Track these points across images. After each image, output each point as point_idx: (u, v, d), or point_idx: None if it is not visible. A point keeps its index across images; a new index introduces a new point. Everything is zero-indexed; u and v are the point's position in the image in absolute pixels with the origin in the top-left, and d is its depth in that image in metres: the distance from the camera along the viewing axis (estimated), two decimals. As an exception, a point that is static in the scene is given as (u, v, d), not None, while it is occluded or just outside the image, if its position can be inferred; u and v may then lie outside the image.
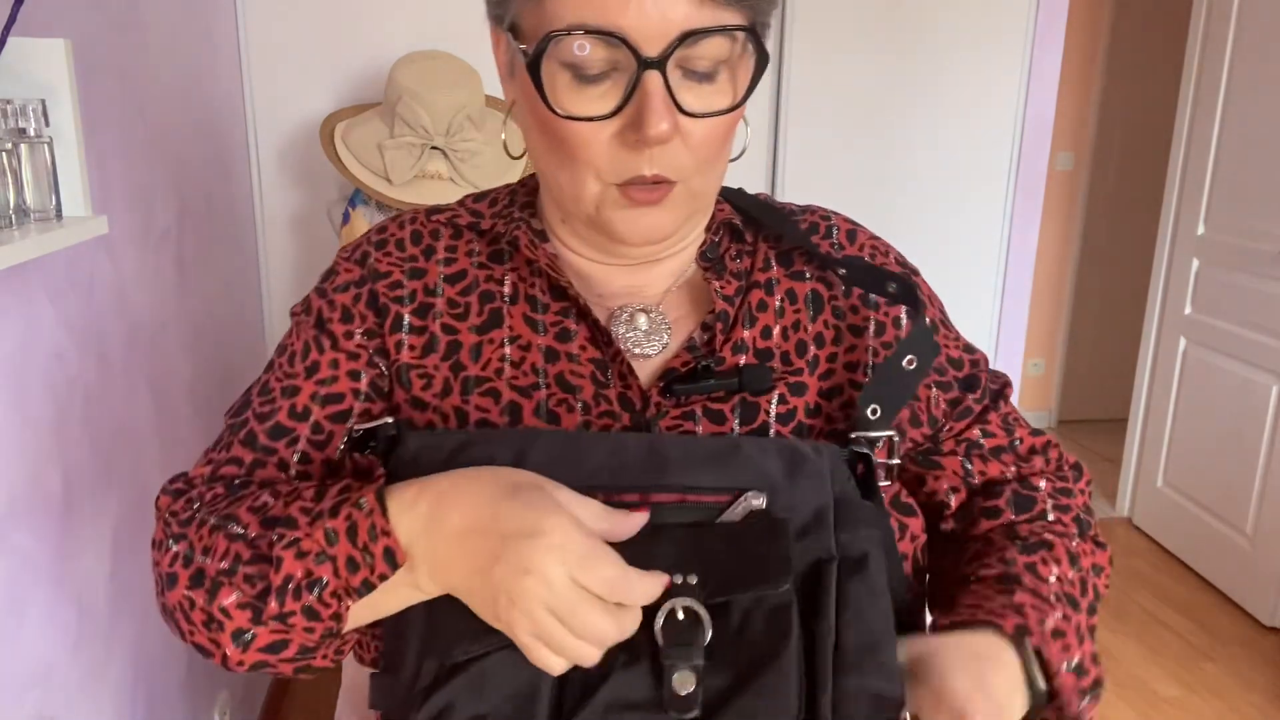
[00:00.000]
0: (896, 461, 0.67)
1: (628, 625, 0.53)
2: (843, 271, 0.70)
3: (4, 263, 0.91)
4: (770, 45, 2.60)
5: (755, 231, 0.74)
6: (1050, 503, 0.73)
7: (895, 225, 2.54)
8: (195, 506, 0.63)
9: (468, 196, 0.75)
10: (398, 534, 0.55)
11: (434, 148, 1.85)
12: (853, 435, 0.64)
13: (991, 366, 0.79)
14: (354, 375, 0.67)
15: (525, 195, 0.74)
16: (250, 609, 0.57)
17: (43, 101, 1.05)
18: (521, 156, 0.71)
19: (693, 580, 0.54)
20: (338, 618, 0.57)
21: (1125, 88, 4.06)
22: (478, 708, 0.54)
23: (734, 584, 0.54)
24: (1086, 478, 0.77)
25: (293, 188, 2.29)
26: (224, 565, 0.58)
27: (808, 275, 0.72)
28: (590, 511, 0.55)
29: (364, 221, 1.94)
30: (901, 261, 0.77)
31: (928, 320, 0.69)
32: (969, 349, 0.77)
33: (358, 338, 0.68)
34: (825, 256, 0.71)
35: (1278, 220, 2.70)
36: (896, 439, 0.66)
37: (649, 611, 0.54)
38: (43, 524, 1.14)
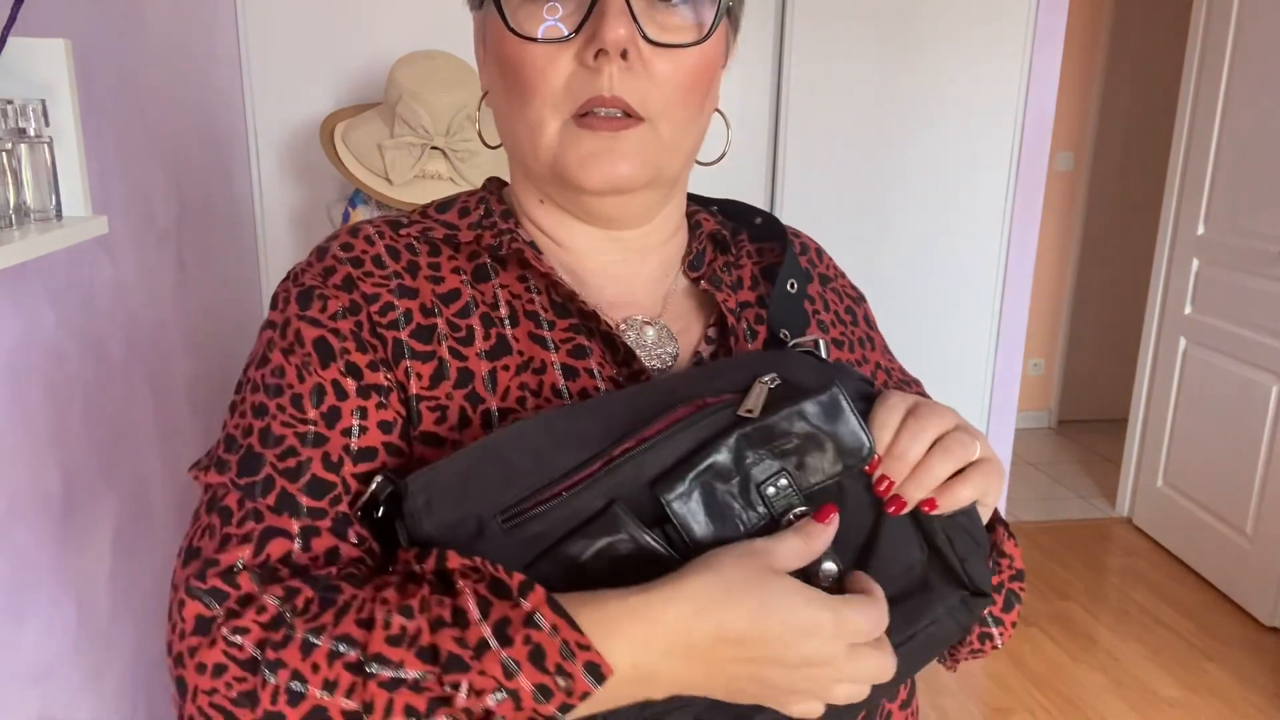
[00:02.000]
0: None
1: (889, 663, 0.53)
2: (715, 208, 0.74)
3: (4, 263, 0.91)
4: (769, 44, 2.58)
5: (739, 245, 0.74)
6: None
7: (895, 225, 2.55)
8: (280, 626, 0.51)
9: (429, 207, 0.70)
10: (600, 644, 0.48)
11: (434, 148, 1.85)
12: (790, 344, 0.66)
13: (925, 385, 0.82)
14: (386, 426, 0.59)
15: (500, 204, 0.70)
16: None
17: (43, 101, 1.05)
18: (499, 146, 0.69)
19: (783, 483, 0.55)
20: None
21: (1125, 88, 4.06)
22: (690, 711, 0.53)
23: (808, 469, 0.56)
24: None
25: (293, 188, 2.29)
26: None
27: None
28: (792, 548, 0.53)
29: (364, 221, 1.94)
30: (853, 285, 0.80)
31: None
32: (903, 373, 0.80)
33: (382, 371, 0.60)
34: (710, 200, 0.75)
35: (1278, 220, 2.70)
36: (822, 342, 0.68)
37: (773, 526, 0.55)
38: (43, 524, 1.14)
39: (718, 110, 0.68)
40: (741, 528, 0.54)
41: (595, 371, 0.63)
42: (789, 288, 0.69)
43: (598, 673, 0.48)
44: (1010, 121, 2.51)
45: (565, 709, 0.48)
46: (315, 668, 0.49)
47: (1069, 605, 2.85)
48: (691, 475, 0.53)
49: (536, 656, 0.47)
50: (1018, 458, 3.87)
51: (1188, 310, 3.08)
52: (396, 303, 0.62)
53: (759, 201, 2.45)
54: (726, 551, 0.52)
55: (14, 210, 1.02)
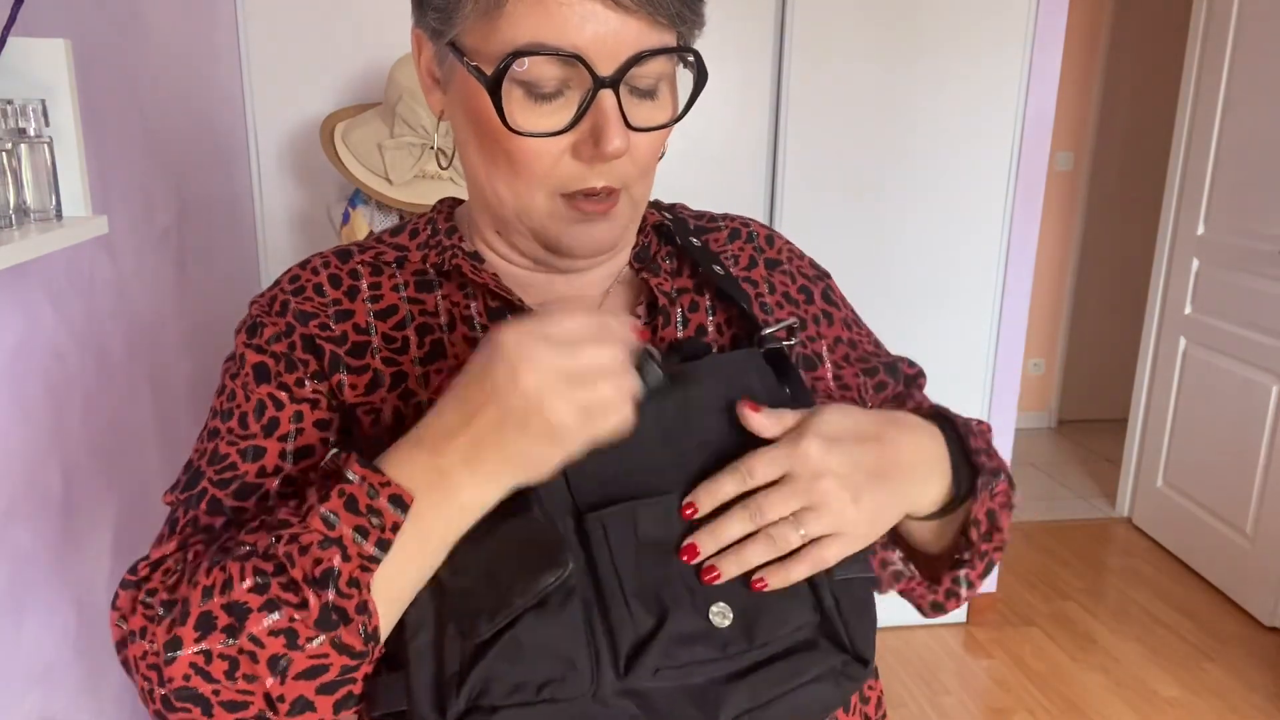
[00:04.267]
0: (800, 346, 0.75)
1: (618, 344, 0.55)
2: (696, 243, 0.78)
3: (4, 263, 0.91)
4: (770, 45, 2.58)
5: (683, 236, 0.77)
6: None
7: (895, 225, 2.55)
8: (177, 574, 0.58)
9: (385, 232, 0.75)
10: (399, 479, 0.54)
11: (434, 148, 1.85)
12: (761, 334, 0.69)
13: (916, 362, 0.85)
14: (322, 424, 0.65)
15: (445, 221, 0.75)
16: (284, 634, 0.53)
17: (43, 101, 1.05)
18: (449, 166, 0.72)
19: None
20: (365, 609, 0.53)
21: (1125, 88, 4.06)
22: (520, 675, 0.54)
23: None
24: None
25: (293, 188, 2.29)
26: (249, 584, 0.54)
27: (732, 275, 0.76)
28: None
29: (364, 221, 1.94)
30: (814, 264, 0.82)
31: (839, 319, 0.79)
32: (879, 344, 0.82)
33: (309, 384, 0.66)
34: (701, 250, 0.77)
35: (1278, 220, 2.70)
36: (795, 325, 0.73)
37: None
38: (43, 524, 1.14)
39: None
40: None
41: None
42: (718, 270, 0.73)
43: (401, 502, 0.54)
44: (1010, 121, 2.51)
45: (384, 545, 0.54)
46: (195, 583, 0.55)
47: (1069, 605, 2.85)
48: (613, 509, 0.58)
49: (351, 504, 0.54)
50: (1018, 458, 3.87)
51: (1188, 310, 3.08)
52: (334, 326, 0.68)
53: (759, 201, 2.45)
54: None
55: (14, 210, 1.02)
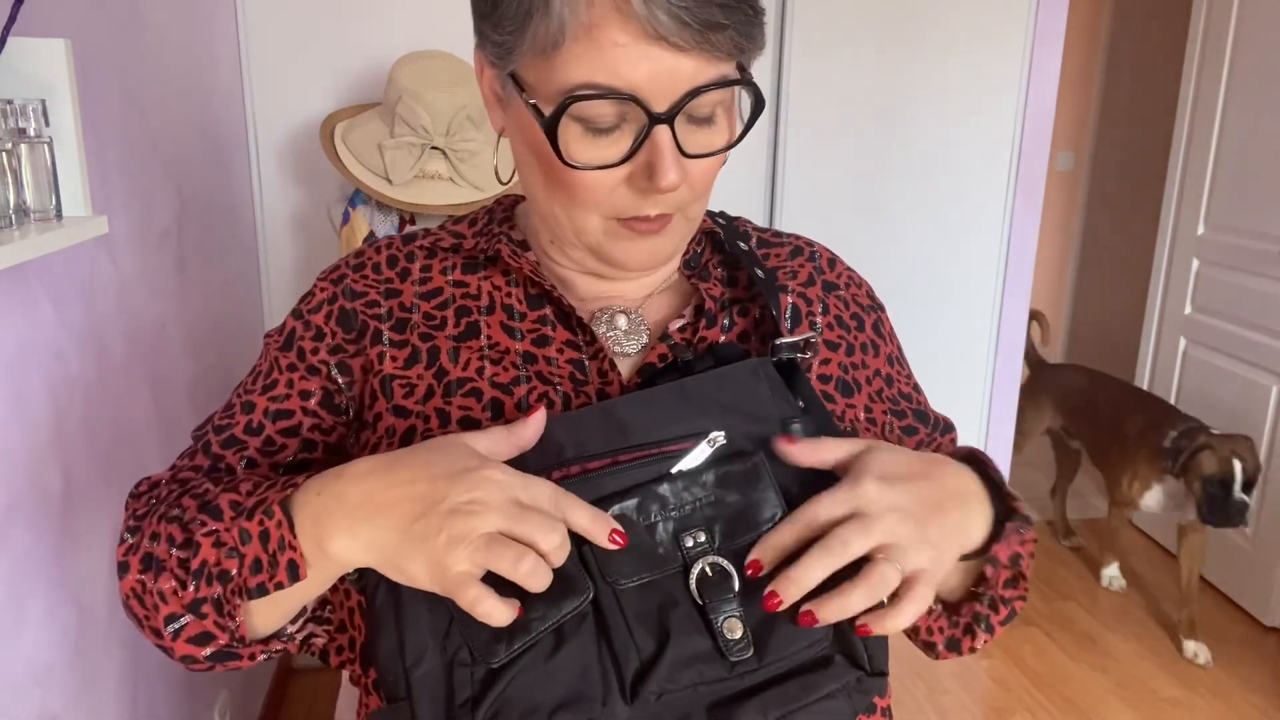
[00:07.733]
0: (841, 371, 0.74)
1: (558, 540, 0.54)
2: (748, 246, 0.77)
3: (4, 263, 0.91)
4: (770, 45, 2.57)
5: (731, 240, 0.77)
6: None
7: (895, 225, 2.55)
8: (153, 503, 0.68)
9: (449, 220, 0.78)
10: (302, 544, 0.58)
11: (434, 148, 1.85)
12: (775, 343, 0.68)
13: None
14: (305, 394, 0.71)
15: (503, 212, 0.78)
16: (179, 596, 0.61)
17: (43, 101, 1.05)
18: (510, 180, 0.74)
19: (701, 538, 0.59)
20: (232, 615, 0.61)
21: (1125, 88, 4.06)
22: (535, 699, 0.55)
23: (738, 532, 0.60)
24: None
25: (293, 188, 2.29)
26: (164, 548, 0.62)
27: (790, 289, 0.76)
28: (493, 437, 0.58)
29: (364, 221, 1.94)
30: (871, 295, 0.82)
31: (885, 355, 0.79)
32: (918, 389, 0.82)
33: (322, 353, 0.71)
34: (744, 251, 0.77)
35: (1278, 220, 2.70)
36: (814, 339, 0.72)
37: (684, 574, 0.58)
38: (43, 523, 1.14)
39: None
40: (659, 564, 0.58)
41: (554, 359, 0.70)
42: (758, 273, 0.73)
43: (295, 571, 0.58)
44: (1010, 121, 2.51)
45: (263, 589, 0.59)
46: (150, 524, 0.64)
47: (1069, 605, 2.85)
48: (616, 507, 0.58)
49: (265, 538, 0.58)
50: (1018, 458, 3.86)
51: (1188, 310, 3.08)
52: (382, 301, 0.72)
53: (759, 201, 2.46)
54: None
55: (14, 210, 1.02)
